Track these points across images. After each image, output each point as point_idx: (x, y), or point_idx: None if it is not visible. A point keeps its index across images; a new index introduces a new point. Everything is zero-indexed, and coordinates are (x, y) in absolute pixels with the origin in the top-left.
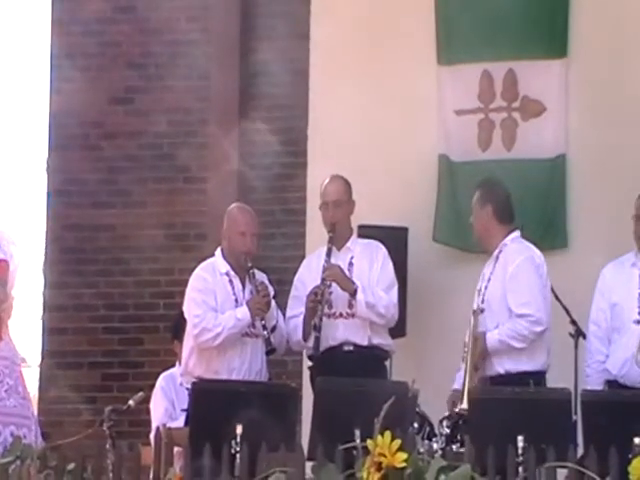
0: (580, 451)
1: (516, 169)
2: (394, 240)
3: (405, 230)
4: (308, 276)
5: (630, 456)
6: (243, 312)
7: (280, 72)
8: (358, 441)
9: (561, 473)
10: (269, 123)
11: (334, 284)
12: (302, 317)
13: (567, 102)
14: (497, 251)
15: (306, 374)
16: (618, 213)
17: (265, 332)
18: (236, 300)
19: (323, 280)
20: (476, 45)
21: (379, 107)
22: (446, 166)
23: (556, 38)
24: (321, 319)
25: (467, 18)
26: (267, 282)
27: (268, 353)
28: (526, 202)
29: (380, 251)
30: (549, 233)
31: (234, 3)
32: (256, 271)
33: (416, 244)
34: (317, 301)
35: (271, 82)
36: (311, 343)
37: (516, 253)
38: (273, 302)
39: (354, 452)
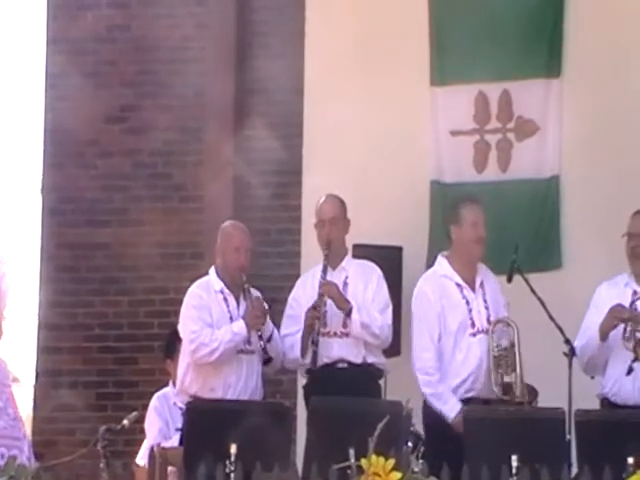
0: (574, 470)
1: (511, 190)
2: (389, 259)
3: (400, 249)
4: (303, 295)
5: (624, 476)
6: (239, 326)
7: (275, 90)
8: (352, 460)
9: None
10: (264, 142)
11: (329, 303)
12: (299, 334)
13: (561, 121)
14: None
15: (300, 393)
16: (612, 233)
17: (261, 342)
18: (231, 318)
19: (320, 296)
20: (470, 65)
21: (373, 127)
22: (438, 192)
23: (551, 57)
24: (319, 333)
25: (461, 38)
26: (261, 297)
27: (265, 363)
28: (521, 222)
29: (375, 272)
30: (544, 253)
31: (230, 21)
32: (252, 289)
33: (411, 263)
34: (316, 317)
35: (266, 100)
36: (308, 359)
37: None
38: (268, 317)
39: (348, 471)
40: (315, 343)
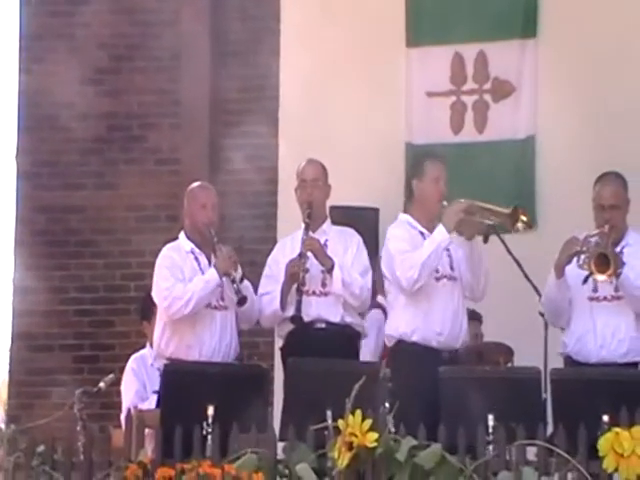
0: (550, 429)
1: (487, 151)
2: (365, 220)
3: (376, 211)
4: (282, 257)
5: (598, 433)
6: (211, 273)
7: (250, 52)
8: (329, 421)
9: (531, 451)
10: (240, 104)
11: (311, 260)
12: (280, 288)
13: (537, 82)
14: None
15: (277, 355)
16: (586, 193)
17: (234, 285)
18: (203, 274)
19: (301, 253)
20: (446, 27)
21: (348, 89)
22: (413, 153)
23: (526, 18)
24: (303, 284)
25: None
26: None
27: (240, 303)
28: (496, 183)
29: (355, 237)
30: None
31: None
32: (222, 246)
33: (387, 224)
34: (299, 266)
35: (243, 62)
36: (291, 310)
37: None
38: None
39: (325, 432)
40: (300, 293)
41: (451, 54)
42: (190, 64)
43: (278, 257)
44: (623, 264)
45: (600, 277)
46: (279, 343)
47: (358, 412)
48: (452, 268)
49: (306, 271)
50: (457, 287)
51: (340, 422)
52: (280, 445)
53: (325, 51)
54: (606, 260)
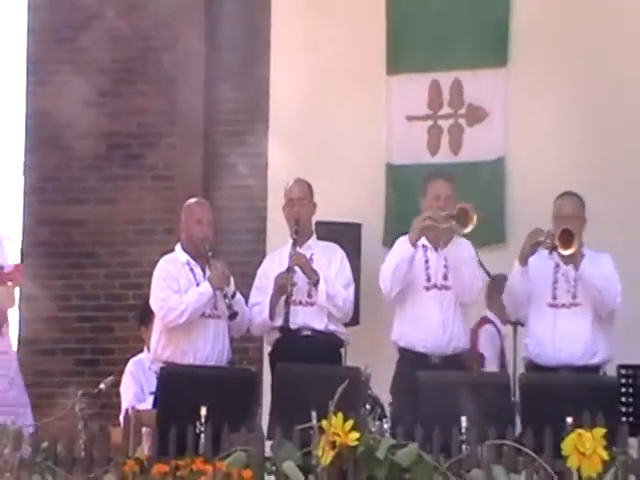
0: (518, 430)
1: (462, 171)
2: (349, 235)
3: (359, 226)
4: (271, 269)
5: (563, 434)
6: (205, 286)
7: (243, 77)
8: (314, 422)
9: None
10: (232, 126)
11: (298, 273)
12: (269, 299)
13: (507, 108)
14: None
15: (266, 359)
16: (550, 211)
17: (226, 300)
18: (197, 285)
19: (289, 268)
20: (424, 56)
21: (334, 114)
22: (393, 173)
23: (498, 48)
24: (291, 295)
25: (415, 31)
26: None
27: (231, 317)
28: (470, 200)
29: (338, 252)
30: (489, 229)
31: (200, 5)
32: (215, 260)
33: (369, 238)
34: (288, 279)
35: (236, 85)
36: (280, 321)
37: None
38: (232, 281)
39: (311, 432)
40: (288, 305)
41: (429, 81)
42: (186, 87)
43: (267, 270)
44: (583, 256)
45: (564, 252)
46: (268, 349)
47: (340, 414)
48: (445, 278)
49: (294, 284)
50: (448, 296)
51: (324, 422)
52: (268, 444)
53: (312, 77)
54: (570, 237)
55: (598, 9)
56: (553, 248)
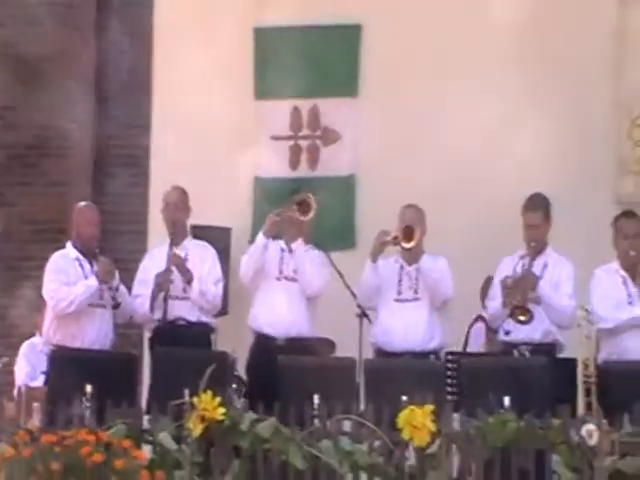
0: (362, 407)
1: (318, 185)
2: (220, 237)
3: (229, 230)
4: (151, 264)
5: (399, 410)
6: (92, 280)
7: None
8: (187, 398)
9: (346, 424)
10: (118, 140)
11: (175, 272)
12: (150, 293)
13: (358, 131)
14: None
15: (146, 344)
16: (392, 220)
17: (111, 292)
18: (85, 278)
19: (168, 268)
20: (286, 84)
21: (209, 134)
22: (260, 185)
23: (350, 80)
24: (168, 292)
25: (279, 61)
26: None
27: (115, 307)
28: (325, 210)
29: (210, 251)
30: (341, 236)
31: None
32: (102, 257)
33: (237, 241)
34: (166, 279)
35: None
36: (159, 314)
37: None
38: (117, 275)
39: (184, 407)
40: (166, 301)
41: (291, 106)
42: (77, 105)
43: (148, 265)
44: (422, 253)
45: (406, 245)
46: (148, 335)
47: (209, 392)
48: (295, 272)
49: (171, 282)
50: (295, 287)
51: (195, 399)
52: (146, 418)
53: (193, 98)
54: (411, 232)
55: (439, 49)
56: (397, 242)
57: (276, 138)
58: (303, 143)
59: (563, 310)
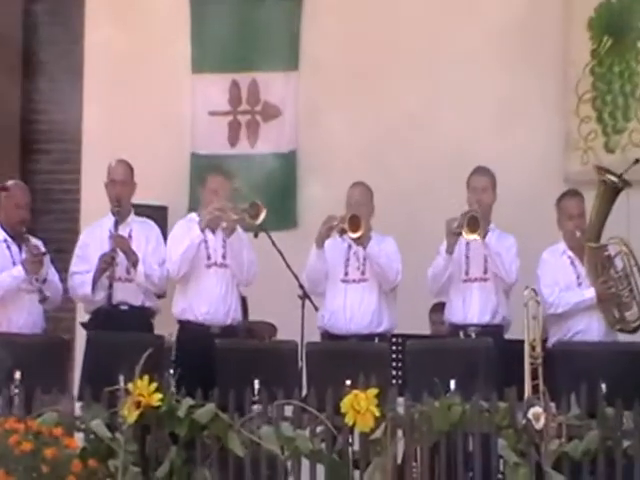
0: (304, 392)
1: (258, 162)
2: (157, 216)
3: (165, 209)
4: (92, 240)
5: (342, 394)
6: (18, 270)
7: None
8: (122, 384)
9: (288, 409)
10: (48, 124)
11: (120, 254)
12: (89, 275)
13: (298, 106)
14: None
15: (79, 328)
16: (338, 199)
17: (38, 284)
18: (14, 262)
19: (113, 247)
20: (225, 57)
21: (144, 109)
22: (197, 162)
23: (290, 53)
24: (113, 278)
25: (216, 34)
26: (41, 246)
27: (41, 301)
28: (266, 188)
29: (155, 230)
30: (282, 215)
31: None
32: (31, 237)
33: (174, 219)
34: (110, 262)
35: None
36: (100, 296)
37: None
38: (47, 260)
39: (118, 394)
40: (111, 285)
41: (229, 81)
42: (2, 83)
43: (87, 240)
44: (369, 238)
45: (352, 235)
46: (84, 317)
47: (146, 377)
48: (224, 257)
49: (116, 265)
50: (227, 273)
51: (130, 385)
52: (78, 405)
53: (124, 73)
54: (357, 221)
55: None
56: (343, 231)
57: (214, 113)
58: (242, 119)
59: (509, 259)
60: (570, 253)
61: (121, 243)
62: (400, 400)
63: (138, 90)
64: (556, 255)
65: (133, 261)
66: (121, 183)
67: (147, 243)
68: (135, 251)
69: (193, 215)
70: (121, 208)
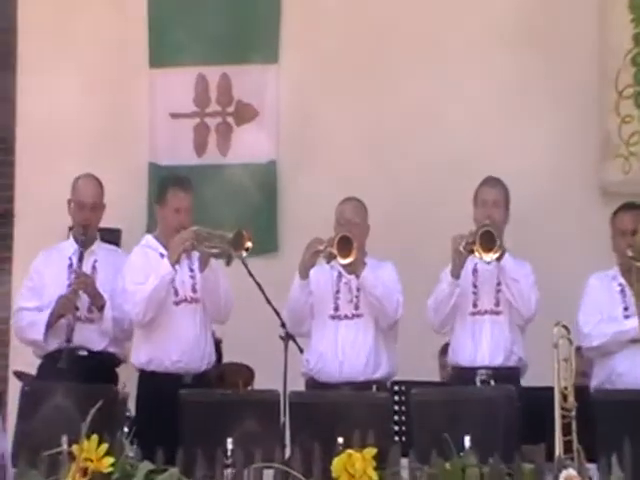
0: (288, 451)
1: (231, 174)
2: (108, 240)
3: (119, 232)
4: (46, 270)
5: (333, 454)
6: None
7: None
8: (65, 446)
9: (268, 473)
10: None
11: (82, 296)
12: (42, 315)
13: (278, 107)
14: None
15: (12, 379)
16: (328, 219)
17: None
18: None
19: (75, 288)
20: (189, 48)
21: (93, 109)
22: (156, 174)
23: (267, 44)
24: (73, 330)
25: (180, 20)
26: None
27: None
28: (239, 206)
29: (123, 260)
30: (260, 238)
31: None
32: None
33: (130, 245)
34: (69, 308)
35: None
36: (53, 344)
37: None
38: None
39: (60, 458)
40: (71, 330)
41: (195, 75)
42: None
43: (41, 268)
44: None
45: (343, 261)
46: (13, 367)
47: (94, 437)
48: (194, 290)
49: (77, 308)
50: (199, 309)
51: (75, 447)
52: (12, 471)
53: (66, 74)
54: (348, 243)
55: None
56: (332, 257)
57: (176, 116)
58: (211, 122)
59: (527, 289)
60: (622, 280)
61: (85, 284)
62: (404, 461)
63: (85, 87)
64: (605, 281)
65: (98, 305)
66: (91, 207)
67: (115, 276)
68: (101, 291)
69: (149, 237)
70: (87, 236)
